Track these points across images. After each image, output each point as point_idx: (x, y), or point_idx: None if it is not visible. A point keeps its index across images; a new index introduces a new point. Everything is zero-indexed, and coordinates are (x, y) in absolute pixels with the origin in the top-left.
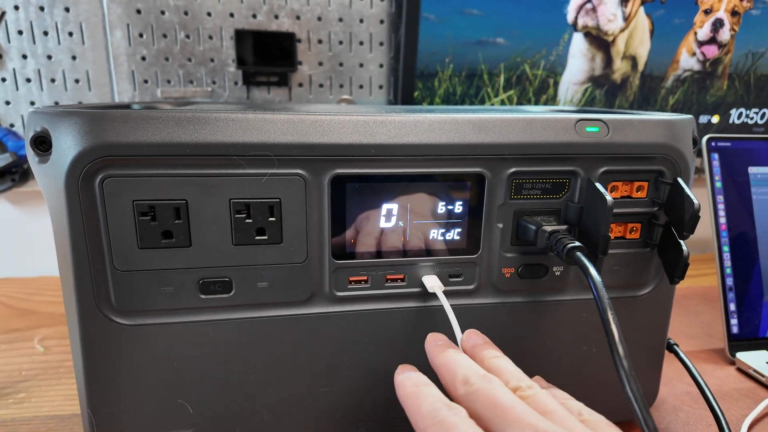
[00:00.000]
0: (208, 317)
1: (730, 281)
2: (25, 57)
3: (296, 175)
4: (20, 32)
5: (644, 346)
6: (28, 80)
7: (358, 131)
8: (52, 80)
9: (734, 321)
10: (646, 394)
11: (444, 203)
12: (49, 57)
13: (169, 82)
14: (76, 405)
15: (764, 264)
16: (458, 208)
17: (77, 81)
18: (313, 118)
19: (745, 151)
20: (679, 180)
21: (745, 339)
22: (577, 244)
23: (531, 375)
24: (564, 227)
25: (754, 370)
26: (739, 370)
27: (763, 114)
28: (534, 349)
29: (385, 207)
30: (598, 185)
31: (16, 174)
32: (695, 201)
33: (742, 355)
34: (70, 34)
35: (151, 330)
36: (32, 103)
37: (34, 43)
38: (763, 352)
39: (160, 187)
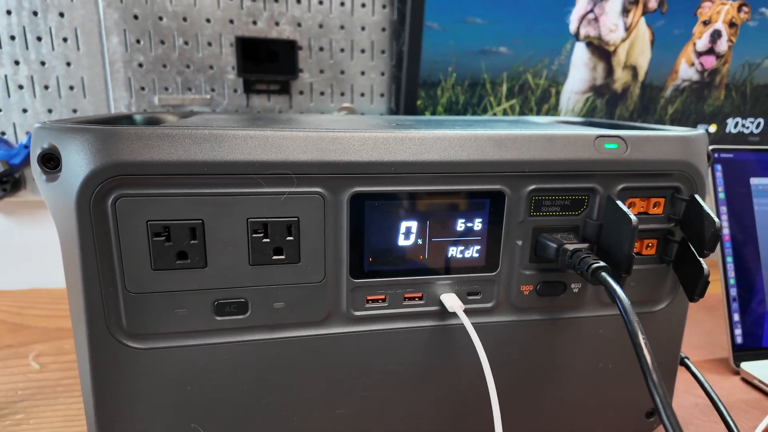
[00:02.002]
0: (222, 339)
1: (733, 292)
2: (17, 63)
3: (315, 193)
4: (12, 37)
5: (659, 361)
6: (21, 87)
7: (378, 149)
8: (46, 87)
9: (738, 331)
10: None
11: (463, 221)
12: (43, 63)
13: (166, 89)
14: (77, 426)
15: (767, 274)
16: (477, 225)
17: (72, 88)
18: (333, 135)
19: (746, 162)
20: (697, 197)
21: (749, 349)
22: (602, 264)
23: (547, 391)
24: (585, 245)
25: (760, 381)
26: (744, 380)
27: (759, 123)
28: (550, 365)
29: (404, 225)
30: (621, 204)
31: (8, 183)
32: (716, 220)
33: (746, 365)
34: (65, 39)
35: (164, 353)
36: (24, 111)
37: (27, 48)
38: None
39: (176, 207)
